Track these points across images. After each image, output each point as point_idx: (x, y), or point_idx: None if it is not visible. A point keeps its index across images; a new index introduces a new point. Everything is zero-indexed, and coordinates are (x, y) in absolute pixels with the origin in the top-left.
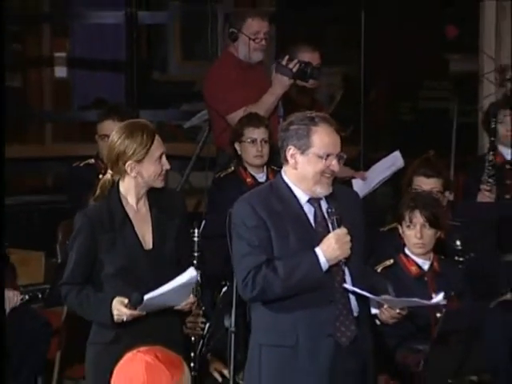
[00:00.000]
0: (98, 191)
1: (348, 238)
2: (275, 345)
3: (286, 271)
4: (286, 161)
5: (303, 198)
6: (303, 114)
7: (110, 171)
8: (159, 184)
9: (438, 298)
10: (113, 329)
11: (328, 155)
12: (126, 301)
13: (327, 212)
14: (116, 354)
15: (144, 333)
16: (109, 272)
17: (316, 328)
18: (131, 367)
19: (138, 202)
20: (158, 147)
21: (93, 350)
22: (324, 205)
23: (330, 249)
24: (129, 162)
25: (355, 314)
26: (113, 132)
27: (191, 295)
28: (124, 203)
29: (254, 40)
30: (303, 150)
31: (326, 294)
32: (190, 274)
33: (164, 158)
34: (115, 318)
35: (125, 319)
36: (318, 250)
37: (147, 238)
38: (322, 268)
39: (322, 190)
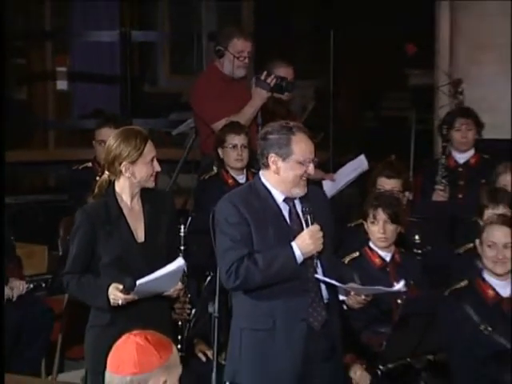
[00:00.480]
0: (96, 190)
1: (320, 234)
2: (254, 329)
3: (265, 263)
4: (267, 166)
5: (279, 197)
6: (279, 123)
7: (106, 172)
8: (150, 184)
9: (399, 285)
10: (109, 312)
11: (306, 161)
12: (121, 286)
13: (302, 211)
14: (112, 336)
15: (137, 317)
16: (105, 262)
17: (291, 313)
18: (124, 348)
19: (131, 200)
20: (150, 151)
21: (91, 332)
22: (298, 204)
23: (305, 244)
24: (124, 163)
25: (326, 301)
26: (110, 137)
27: (179, 283)
28: (119, 201)
29: (238, 58)
30: (284, 157)
31: (301, 284)
32: (179, 262)
33: (155, 161)
34: (111, 302)
35: (120, 303)
36: (293, 244)
37: (140, 232)
38: (297, 261)
39: (299, 191)
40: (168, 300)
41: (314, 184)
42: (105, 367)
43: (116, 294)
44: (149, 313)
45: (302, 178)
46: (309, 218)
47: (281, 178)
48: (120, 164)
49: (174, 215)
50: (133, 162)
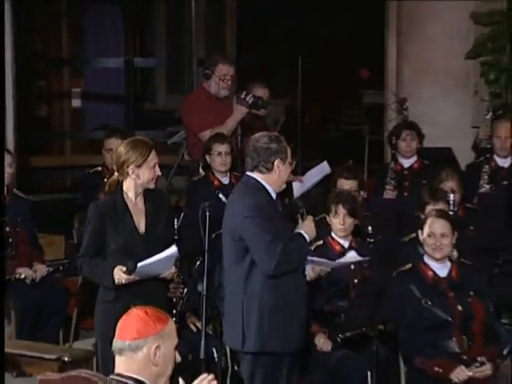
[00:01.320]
0: (107, 188)
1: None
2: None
3: (296, 250)
4: (270, 169)
5: (273, 193)
6: (268, 135)
7: (116, 173)
8: (152, 186)
9: (350, 254)
10: (114, 290)
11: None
12: (124, 268)
13: (296, 204)
14: (117, 310)
15: (138, 295)
16: (112, 249)
17: (295, 290)
18: (127, 319)
19: (136, 198)
20: (153, 158)
21: (100, 307)
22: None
23: (310, 231)
24: (131, 167)
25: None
26: (120, 144)
27: (173, 266)
28: (125, 198)
29: (222, 80)
30: (284, 161)
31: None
32: (172, 249)
33: (157, 167)
34: (116, 281)
35: (123, 282)
36: (303, 233)
37: (142, 225)
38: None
39: (284, 185)
40: (164, 281)
41: (286, 184)
42: (112, 336)
43: (120, 275)
44: (148, 291)
45: None
46: (304, 210)
47: (280, 178)
48: (128, 167)
49: (171, 212)
50: (138, 166)
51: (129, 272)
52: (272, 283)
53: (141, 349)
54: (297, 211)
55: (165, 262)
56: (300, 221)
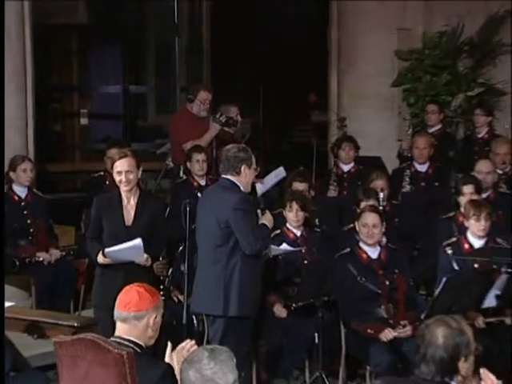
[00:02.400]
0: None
1: None
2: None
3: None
4: (239, 173)
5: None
6: (237, 146)
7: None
8: (125, 188)
9: (284, 245)
10: (100, 267)
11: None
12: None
13: (258, 201)
14: (102, 282)
15: (121, 272)
16: (105, 234)
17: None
18: (128, 294)
19: (129, 197)
20: (116, 166)
21: (94, 280)
22: None
23: (270, 222)
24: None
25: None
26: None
27: (144, 255)
28: (122, 195)
29: (203, 104)
30: (250, 166)
31: None
32: (136, 241)
33: (123, 175)
34: (98, 261)
35: (101, 262)
36: (265, 222)
37: (129, 218)
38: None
39: (249, 188)
40: (152, 263)
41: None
42: (98, 301)
43: (100, 257)
44: (139, 271)
45: None
46: (264, 206)
47: (247, 180)
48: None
49: (160, 210)
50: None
51: (103, 255)
52: (249, 261)
53: (143, 318)
54: (258, 206)
55: (133, 251)
56: (260, 214)
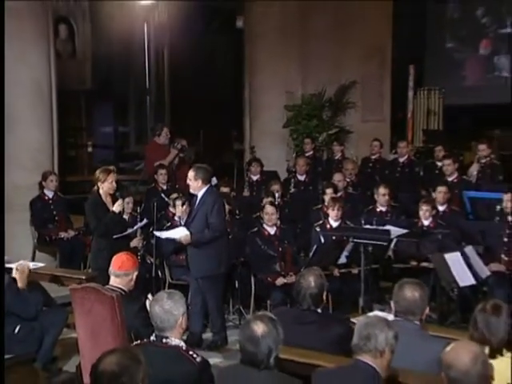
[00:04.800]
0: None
1: None
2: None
3: None
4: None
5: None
6: (194, 166)
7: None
8: (111, 192)
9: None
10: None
11: None
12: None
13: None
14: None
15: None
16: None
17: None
18: (120, 259)
19: (106, 198)
20: (108, 178)
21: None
22: None
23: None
24: (99, 182)
25: None
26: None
27: (119, 199)
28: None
29: (165, 137)
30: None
31: None
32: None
33: (113, 183)
34: None
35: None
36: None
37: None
38: None
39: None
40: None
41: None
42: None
43: None
44: (118, 242)
45: None
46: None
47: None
48: (98, 182)
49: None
50: (103, 182)
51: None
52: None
53: (129, 275)
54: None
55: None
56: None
